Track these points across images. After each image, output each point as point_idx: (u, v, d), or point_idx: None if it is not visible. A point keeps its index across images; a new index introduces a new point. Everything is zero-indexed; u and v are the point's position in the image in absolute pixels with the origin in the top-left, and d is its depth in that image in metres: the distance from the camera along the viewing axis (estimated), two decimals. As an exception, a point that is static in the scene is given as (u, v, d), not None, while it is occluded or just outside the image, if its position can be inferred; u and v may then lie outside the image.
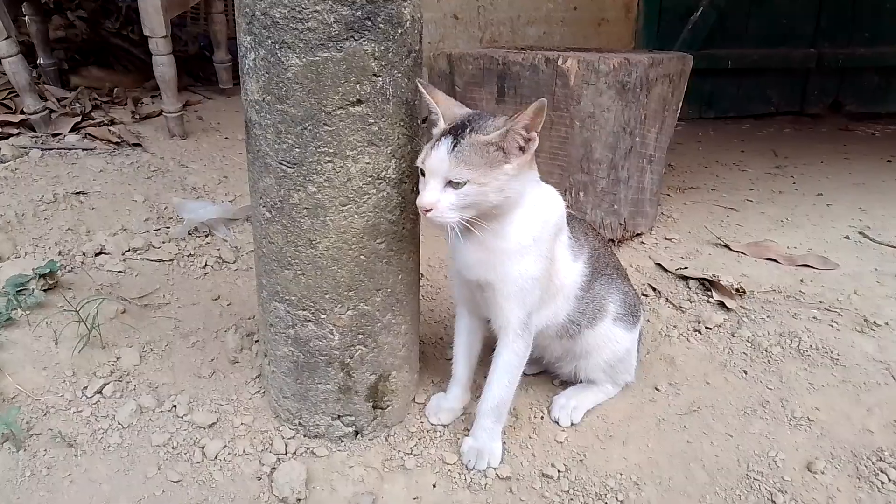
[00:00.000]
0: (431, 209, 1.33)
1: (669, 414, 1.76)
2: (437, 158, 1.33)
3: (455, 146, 1.33)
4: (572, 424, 1.70)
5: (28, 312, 1.90)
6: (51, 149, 3.00)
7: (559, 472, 1.56)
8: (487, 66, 2.32)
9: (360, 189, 1.39)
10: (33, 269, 1.99)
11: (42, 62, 3.57)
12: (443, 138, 1.34)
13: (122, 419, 1.62)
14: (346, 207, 1.39)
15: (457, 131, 1.35)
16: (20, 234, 2.33)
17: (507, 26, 4.01)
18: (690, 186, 3.36)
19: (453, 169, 1.32)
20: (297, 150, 1.34)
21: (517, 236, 1.43)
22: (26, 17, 3.49)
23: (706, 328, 2.09)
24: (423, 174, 1.36)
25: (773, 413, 1.76)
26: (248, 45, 1.31)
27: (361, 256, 1.45)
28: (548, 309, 1.61)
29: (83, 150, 3.04)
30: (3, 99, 3.31)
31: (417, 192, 1.50)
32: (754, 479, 1.56)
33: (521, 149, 1.36)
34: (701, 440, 1.67)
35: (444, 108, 1.41)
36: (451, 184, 1.33)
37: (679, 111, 2.62)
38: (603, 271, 1.70)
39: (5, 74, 3.12)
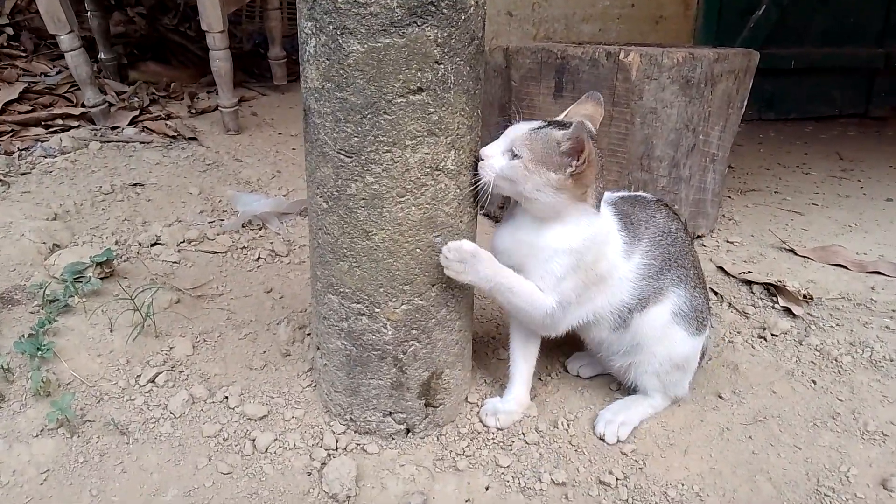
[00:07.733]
0: None
1: (733, 423, 1.68)
2: None
3: None
4: (619, 441, 1.61)
5: (84, 300, 1.91)
6: (109, 141, 3.05)
7: (617, 479, 1.50)
8: (545, 59, 2.27)
9: (417, 180, 1.35)
10: (90, 257, 2.01)
11: (102, 57, 3.65)
12: None
13: (173, 409, 1.62)
14: (403, 199, 1.35)
15: None
16: (78, 224, 2.37)
17: (561, 23, 3.94)
18: (752, 189, 3.24)
19: None
20: (355, 139, 1.31)
21: None
22: (88, 13, 3.57)
23: (772, 335, 1.99)
24: None
25: (845, 426, 1.67)
26: (309, 31, 1.28)
27: (417, 249, 1.41)
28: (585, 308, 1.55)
29: (140, 142, 3.09)
30: (65, 92, 3.39)
31: (474, 184, 1.46)
32: (825, 494, 1.48)
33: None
34: (767, 451, 1.59)
35: None
36: None
37: (743, 109, 2.53)
38: (671, 262, 1.60)
39: (67, 68, 3.19)
